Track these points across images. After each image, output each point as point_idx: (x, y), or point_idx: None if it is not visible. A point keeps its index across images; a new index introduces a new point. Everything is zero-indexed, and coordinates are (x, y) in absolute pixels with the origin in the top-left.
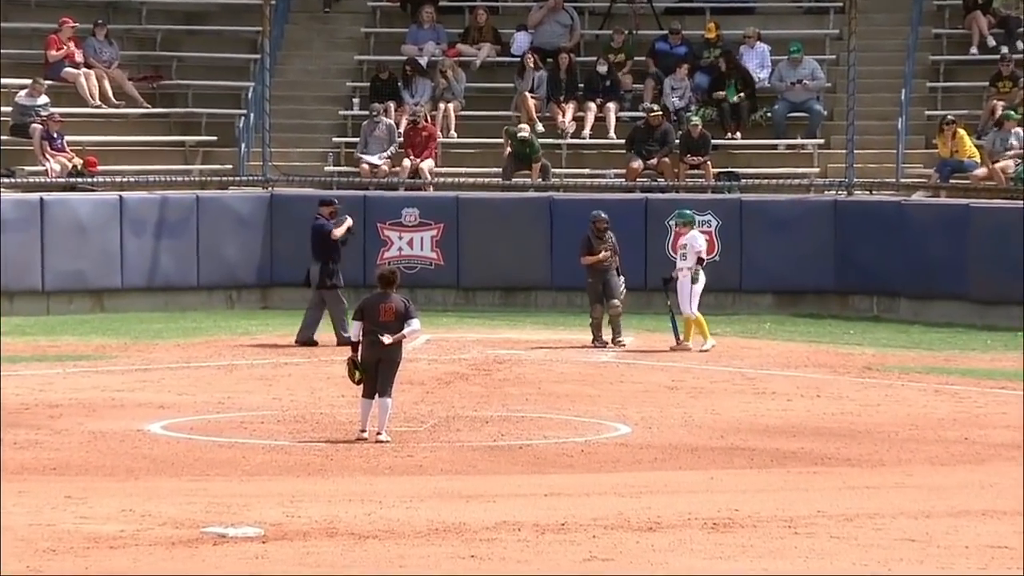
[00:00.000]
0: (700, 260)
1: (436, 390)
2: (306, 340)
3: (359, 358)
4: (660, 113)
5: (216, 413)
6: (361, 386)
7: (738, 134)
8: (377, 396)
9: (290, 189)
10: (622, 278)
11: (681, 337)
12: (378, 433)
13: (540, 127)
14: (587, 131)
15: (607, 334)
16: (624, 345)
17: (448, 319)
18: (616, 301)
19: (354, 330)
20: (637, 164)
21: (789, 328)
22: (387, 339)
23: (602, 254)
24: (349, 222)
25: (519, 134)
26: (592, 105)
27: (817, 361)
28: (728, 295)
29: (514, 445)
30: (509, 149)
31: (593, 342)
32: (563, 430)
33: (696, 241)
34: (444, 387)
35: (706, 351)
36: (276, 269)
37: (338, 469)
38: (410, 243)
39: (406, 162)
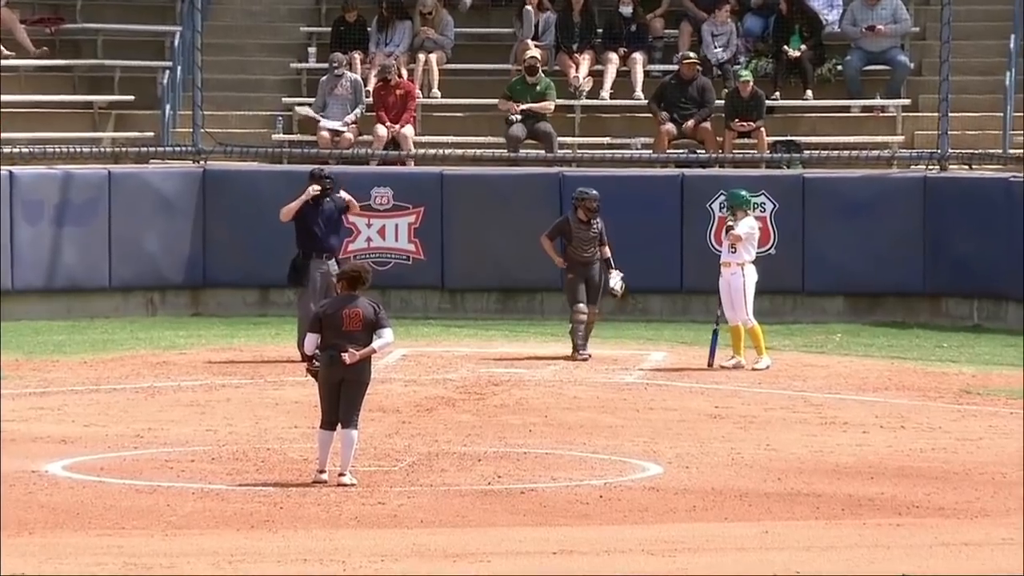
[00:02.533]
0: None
1: (415, 419)
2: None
3: (317, 377)
4: (695, 61)
5: (134, 449)
6: (320, 411)
7: (808, 92)
8: (339, 427)
9: (228, 163)
10: (618, 273)
11: (716, 356)
12: (340, 474)
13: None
14: (607, 89)
15: (589, 343)
16: (586, 359)
17: (430, 329)
18: (595, 307)
19: (308, 344)
20: (669, 127)
21: (865, 340)
22: (349, 356)
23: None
24: (311, 189)
25: (528, 55)
26: (613, 56)
27: (901, 383)
28: (787, 298)
29: (514, 489)
30: (515, 118)
31: (574, 354)
32: (577, 470)
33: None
34: (425, 415)
35: (759, 370)
36: (210, 265)
37: (290, 520)
38: (381, 232)
39: (381, 129)
